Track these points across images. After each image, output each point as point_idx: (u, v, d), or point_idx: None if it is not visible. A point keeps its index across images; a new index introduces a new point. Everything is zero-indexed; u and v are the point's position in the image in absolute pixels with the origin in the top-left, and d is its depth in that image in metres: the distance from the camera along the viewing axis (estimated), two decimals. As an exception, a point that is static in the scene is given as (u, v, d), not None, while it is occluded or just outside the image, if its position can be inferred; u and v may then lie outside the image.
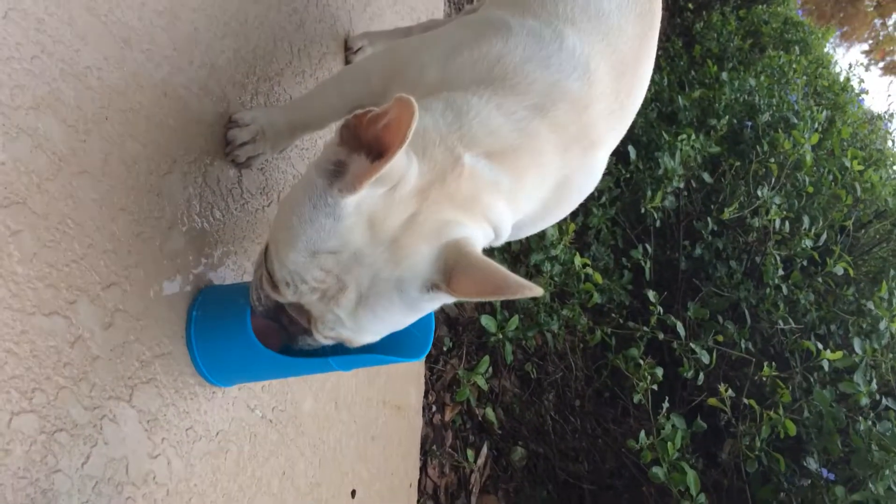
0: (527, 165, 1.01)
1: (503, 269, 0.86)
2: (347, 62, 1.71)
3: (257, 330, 1.05)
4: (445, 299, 0.94)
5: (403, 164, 0.88)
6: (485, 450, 2.06)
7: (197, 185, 1.18)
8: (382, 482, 1.76)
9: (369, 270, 0.90)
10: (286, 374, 1.17)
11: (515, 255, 2.30)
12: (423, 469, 1.96)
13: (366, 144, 0.86)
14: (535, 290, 0.83)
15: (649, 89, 4.65)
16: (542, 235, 2.19)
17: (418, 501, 1.92)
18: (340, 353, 1.04)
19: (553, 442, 2.18)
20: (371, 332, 0.96)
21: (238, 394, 1.21)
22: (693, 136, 2.80)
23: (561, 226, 2.23)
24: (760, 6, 6.90)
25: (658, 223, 2.62)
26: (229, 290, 1.16)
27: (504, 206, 0.99)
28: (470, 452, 2.03)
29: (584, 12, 1.10)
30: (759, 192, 2.61)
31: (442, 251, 0.90)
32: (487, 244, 1.01)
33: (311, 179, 0.90)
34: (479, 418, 2.14)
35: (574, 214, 2.52)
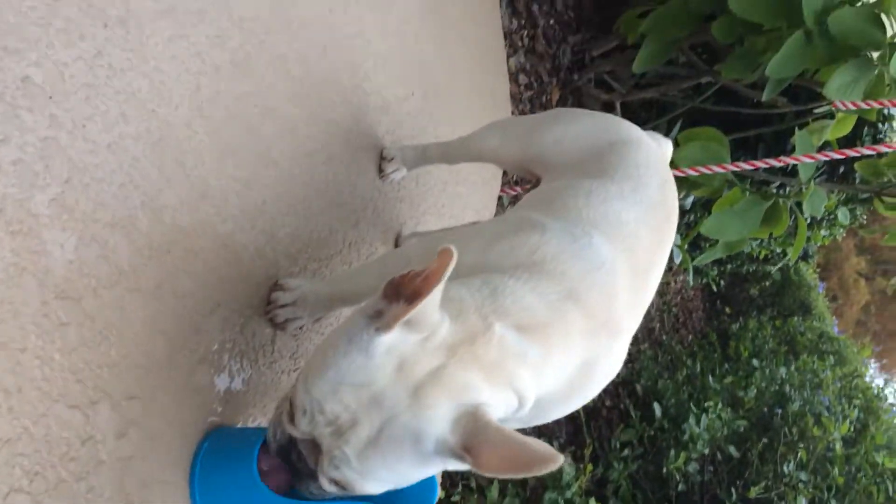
0: (555, 343, 1.06)
1: (523, 439, 0.87)
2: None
3: (265, 471, 1.05)
4: (458, 464, 0.94)
5: (436, 317, 0.95)
6: None
7: (233, 333, 1.25)
8: None
9: (387, 413, 0.92)
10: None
11: (533, 488, 2.23)
12: None
13: (405, 295, 0.93)
14: (558, 459, 0.85)
15: (681, 371, 4.65)
16: (558, 474, 2.15)
17: None
18: (338, 506, 1.03)
19: None
20: (376, 478, 0.96)
21: (226, 547, 1.18)
22: (720, 406, 2.80)
23: (578, 465, 2.20)
24: (796, 317, 7.10)
25: (681, 487, 2.55)
26: (240, 431, 1.18)
27: (529, 376, 1.02)
28: None
29: (605, 219, 1.22)
30: (785, 468, 2.55)
31: (462, 414, 0.93)
32: (510, 413, 1.03)
33: (353, 319, 0.97)
34: None
35: (594, 463, 2.48)
